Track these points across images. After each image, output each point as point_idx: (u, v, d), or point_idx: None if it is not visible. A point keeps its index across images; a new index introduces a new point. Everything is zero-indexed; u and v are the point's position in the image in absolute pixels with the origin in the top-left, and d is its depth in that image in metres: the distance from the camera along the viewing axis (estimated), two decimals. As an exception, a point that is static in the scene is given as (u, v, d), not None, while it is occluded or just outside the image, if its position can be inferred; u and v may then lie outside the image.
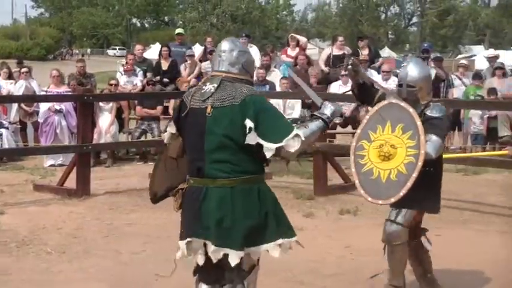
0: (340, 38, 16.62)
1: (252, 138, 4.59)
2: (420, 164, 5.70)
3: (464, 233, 8.67)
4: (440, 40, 67.82)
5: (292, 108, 14.07)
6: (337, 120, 12.44)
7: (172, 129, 4.99)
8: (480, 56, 36.65)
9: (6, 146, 13.45)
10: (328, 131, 12.37)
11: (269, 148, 4.60)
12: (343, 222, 9.23)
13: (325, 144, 11.30)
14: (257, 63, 15.74)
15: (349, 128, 14.31)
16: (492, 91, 13.87)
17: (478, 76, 15.34)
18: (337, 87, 14.55)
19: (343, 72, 14.72)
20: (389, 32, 73.56)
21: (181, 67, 16.17)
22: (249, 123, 4.58)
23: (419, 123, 5.84)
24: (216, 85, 4.74)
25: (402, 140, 5.86)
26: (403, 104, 5.94)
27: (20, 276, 7.01)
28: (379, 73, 14.92)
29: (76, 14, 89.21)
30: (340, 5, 73.95)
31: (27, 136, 14.97)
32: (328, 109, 5.16)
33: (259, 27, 69.68)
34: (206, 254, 4.75)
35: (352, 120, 14.28)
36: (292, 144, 4.62)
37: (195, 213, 4.72)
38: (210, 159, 4.68)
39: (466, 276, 6.95)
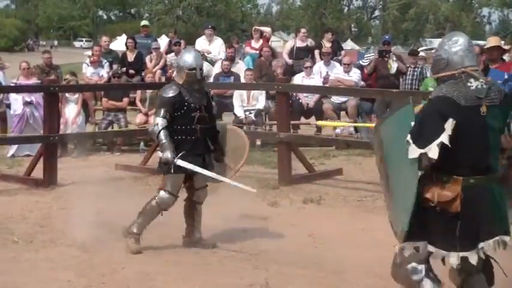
0: (303, 30, 16.82)
1: None
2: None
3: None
4: (402, 33, 68.36)
5: (257, 100, 14.21)
6: None
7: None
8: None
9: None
10: (292, 122, 12.58)
11: None
12: (306, 211, 9.40)
13: (289, 135, 11.45)
14: (222, 55, 15.88)
15: (312, 119, 14.49)
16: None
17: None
18: (300, 79, 14.73)
19: (306, 64, 14.92)
20: (352, 25, 73.92)
21: (147, 59, 16.23)
22: None
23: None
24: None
25: None
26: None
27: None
28: (341, 65, 15.13)
29: (42, 6, 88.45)
30: (304, -1, 74.24)
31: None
32: None
33: (224, 20, 69.69)
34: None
35: (316, 112, 14.49)
36: None
37: (490, 212, 4.84)
38: (493, 156, 4.86)
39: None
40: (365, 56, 18.14)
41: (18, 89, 13.54)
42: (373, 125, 8.16)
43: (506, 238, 4.88)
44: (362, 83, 14.84)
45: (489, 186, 4.83)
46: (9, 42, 72.71)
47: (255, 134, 13.85)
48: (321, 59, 15.45)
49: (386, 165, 5.05)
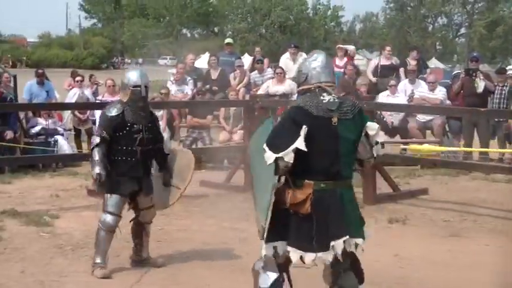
0: (388, 48, 16.68)
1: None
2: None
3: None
4: (489, 51, 67.20)
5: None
6: None
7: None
8: (529, 67, 36.23)
9: (62, 151, 13.75)
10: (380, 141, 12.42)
11: None
12: (391, 231, 9.26)
13: (374, 154, 11.31)
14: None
15: (397, 138, 14.35)
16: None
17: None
18: (385, 97, 14.60)
19: (391, 83, 14.79)
20: (437, 43, 73.08)
21: (231, 76, 16.33)
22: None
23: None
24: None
25: None
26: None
27: (75, 279, 7.18)
28: (426, 83, 14.95)
29: (127, 25, 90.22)
30: (388, 16, 73.79)
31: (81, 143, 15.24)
32: None
33: (307, 38, 69.78)
34: None
35: (401, 130, 14.34)
36: None
37: (338, 215, 5.15)
38: (344, 163, 5.18)
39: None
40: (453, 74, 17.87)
41: (104, 105, 13.71)
42: (463, 149, 8.05)
43: (359, 240, 5.24)
44: (448, 101, 14.61)
45: (338, 191, 5.17)
46: (96, 60, 74.60)
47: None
48: (406, 77, 15.30)
49: (253, 176, 5.55)
